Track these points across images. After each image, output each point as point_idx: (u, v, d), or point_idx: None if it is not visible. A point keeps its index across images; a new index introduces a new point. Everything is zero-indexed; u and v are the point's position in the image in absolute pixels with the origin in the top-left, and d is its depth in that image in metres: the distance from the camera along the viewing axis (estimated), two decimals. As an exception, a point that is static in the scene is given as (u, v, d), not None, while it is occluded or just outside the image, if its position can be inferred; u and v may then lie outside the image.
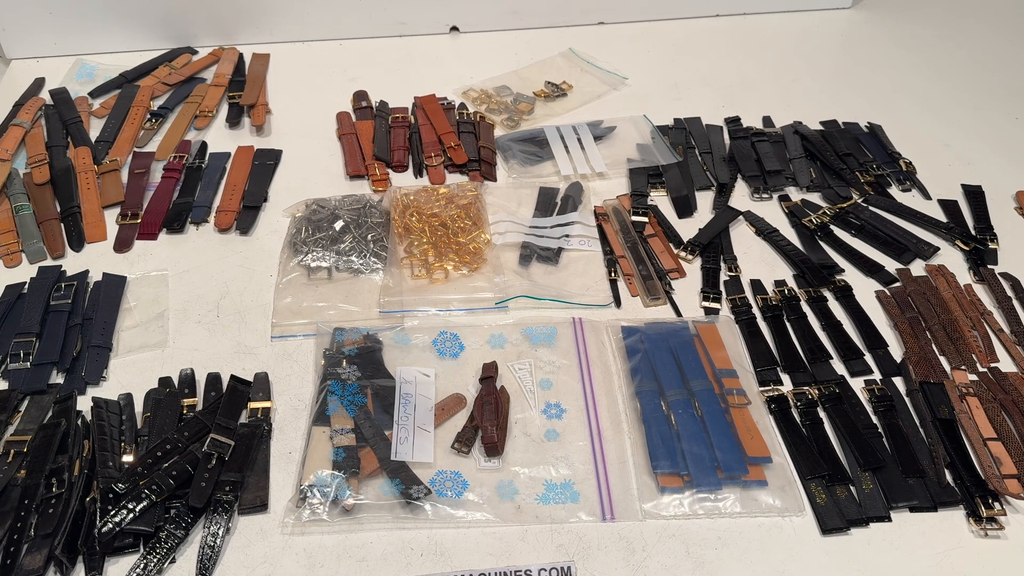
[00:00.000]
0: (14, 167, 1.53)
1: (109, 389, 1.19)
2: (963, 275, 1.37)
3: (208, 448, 1.07)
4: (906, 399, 1.19)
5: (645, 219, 1.45)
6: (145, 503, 1.01)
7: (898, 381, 1.21)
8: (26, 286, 1.31)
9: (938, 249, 1.41)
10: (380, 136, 1.61)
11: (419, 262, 1.36)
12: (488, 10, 1.91)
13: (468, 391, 1.19)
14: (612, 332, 1.26)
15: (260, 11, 1.85)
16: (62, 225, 1.43)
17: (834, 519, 1.04)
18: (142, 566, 0.98)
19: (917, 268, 1.38)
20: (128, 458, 1.09)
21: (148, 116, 1.66)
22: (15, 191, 1.48)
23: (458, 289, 1.33)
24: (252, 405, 1.15)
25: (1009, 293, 1.34)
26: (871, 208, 1.49)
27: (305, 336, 1.25)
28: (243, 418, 1.14)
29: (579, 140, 1.60)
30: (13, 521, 1.00)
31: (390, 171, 1.56)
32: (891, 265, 1.39)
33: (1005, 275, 1.37)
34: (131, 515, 1.00)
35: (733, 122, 1.66)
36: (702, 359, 1.21)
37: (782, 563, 1.01)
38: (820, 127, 1.66)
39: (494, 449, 1.10)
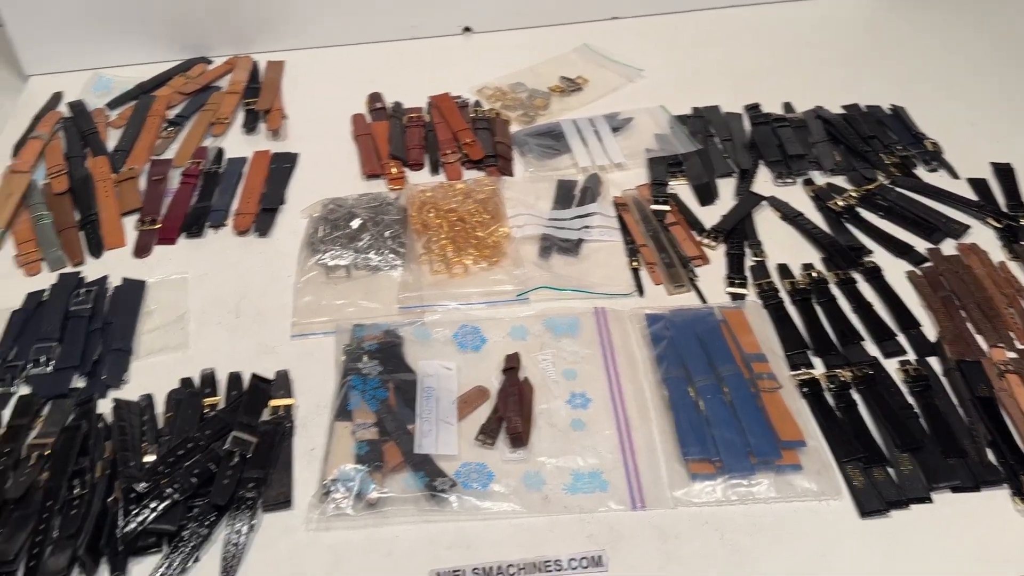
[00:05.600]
0: (34, 178, 1.53)
1: (130, 391, 1.18)
2: (996, 253, 1.33)
3: (230, 446, 1.06)
4: (943, 379, 1.15)
5: (666, 207, 1.42)
6: (167, 502, 1.00)
7: (934, 361, 1.18)
8: (46, 293, 1.31)
9: (968, 227, 1.37)
10: (396, 135, 1.60)
11: (438, 257, 1.34)
12: (501, 9, 1.90)
13: (491, 383, 1.16)
14: (636, 320, 1.24)
15: (273, 20, 1.84)
16: (81, 233, 1.43)
17: (873, 501, 1.01)
18: (166, 565, 0.96)
19: (948, 248, 1.35)
20: (150, 458, 1.07)
21: (165, 125, 1.66)
22: (34, 202, 1.48)
23: (478, 283, 1.31)
24: (274, 403, 1.14)
25: (1045, 269, 1.30)
26: (898, 189, 1.45)
27: (325, 334, 1.24)
28: (265, 416, 1.13)
29: (596, 132, 1.58)
30: (36, 523, 0.99)
31: (407, 170, 1.54)
32: (921, 245, 1.35)
33: (1040, 251, 1.33)
34: (153, 514, 0.99)
35: (753, 109, 1.63)
36: (730, 344, 1.18)
37: (820, 547, 0.98)
38: (842, 111, 1.63)
39: (519, 440, 1.07)
